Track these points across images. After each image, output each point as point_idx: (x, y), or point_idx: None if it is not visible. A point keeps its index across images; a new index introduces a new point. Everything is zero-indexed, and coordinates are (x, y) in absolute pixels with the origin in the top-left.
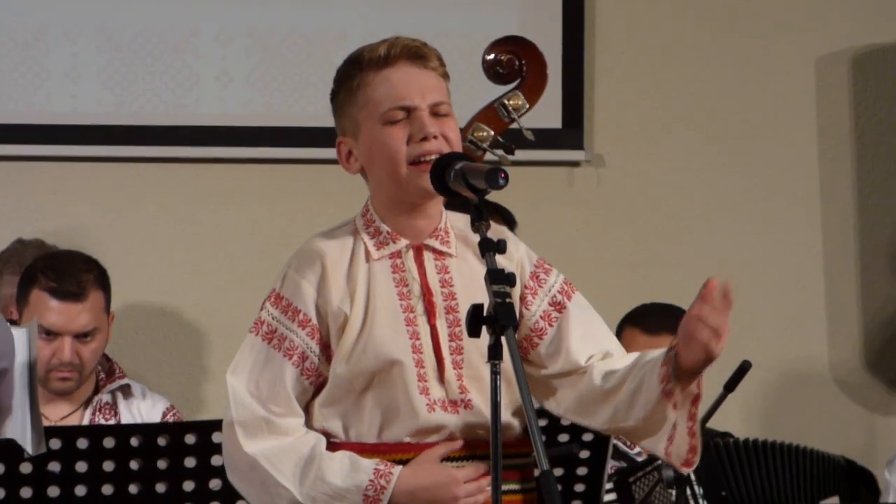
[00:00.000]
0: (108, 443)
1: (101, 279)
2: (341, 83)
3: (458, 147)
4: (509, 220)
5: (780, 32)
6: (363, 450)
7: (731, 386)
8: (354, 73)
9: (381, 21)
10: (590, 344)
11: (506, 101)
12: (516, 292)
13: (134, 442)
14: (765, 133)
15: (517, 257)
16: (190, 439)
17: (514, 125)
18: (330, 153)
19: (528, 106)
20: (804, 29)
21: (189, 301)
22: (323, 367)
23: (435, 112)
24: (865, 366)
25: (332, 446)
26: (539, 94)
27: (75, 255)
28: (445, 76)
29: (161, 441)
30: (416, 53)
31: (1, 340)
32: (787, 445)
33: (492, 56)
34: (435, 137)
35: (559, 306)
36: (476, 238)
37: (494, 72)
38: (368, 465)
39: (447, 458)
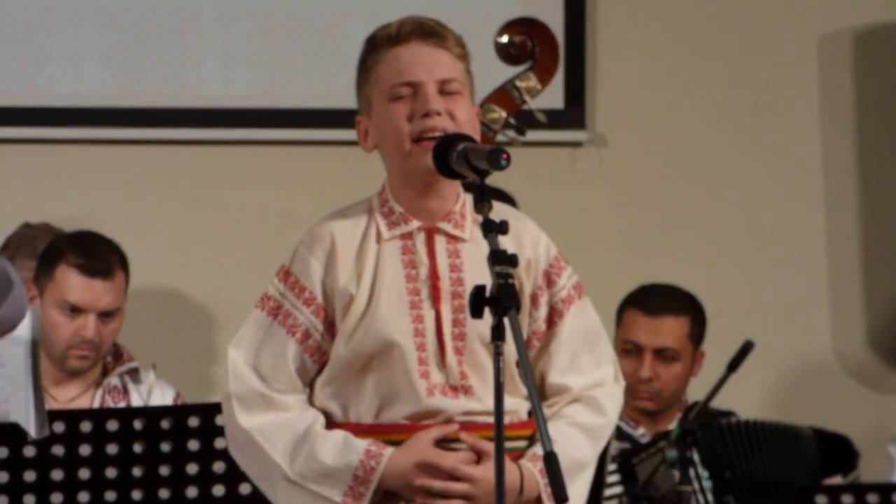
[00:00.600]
0: (112, 426)
1: (124, 261)
2: (360, 64)
3: (467, 127)
4: (510, 203)
5: (781, 12)
6: (359, 430)
7: (733, 365)
8: (369, 52)
9: (383, 3)
10: (571, 378)
11: (518, 83)
12: (526, 291)
13: (137, 425)
14: (767, 113)
15: (532, 256)
16: (193, 422)
17: (526, 107)
18: (333, 135)
19: (540, 87)
20: (806, 8)
21: (194, 283)
22: (326, 345)
23: (444, 90)
24: (870, 347)
25: (331, 426)
26: (551, 76)
27: (99, 235)
28: (462, 58)
29: (164, 424)
30: (429, 31)
31: (16, 308)
32: (789, 426)
33: (505, 38)
34: (439, 114)
35: (551, 321)
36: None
37: (507, 53)
38: (361, 445)
39: (443, 441)
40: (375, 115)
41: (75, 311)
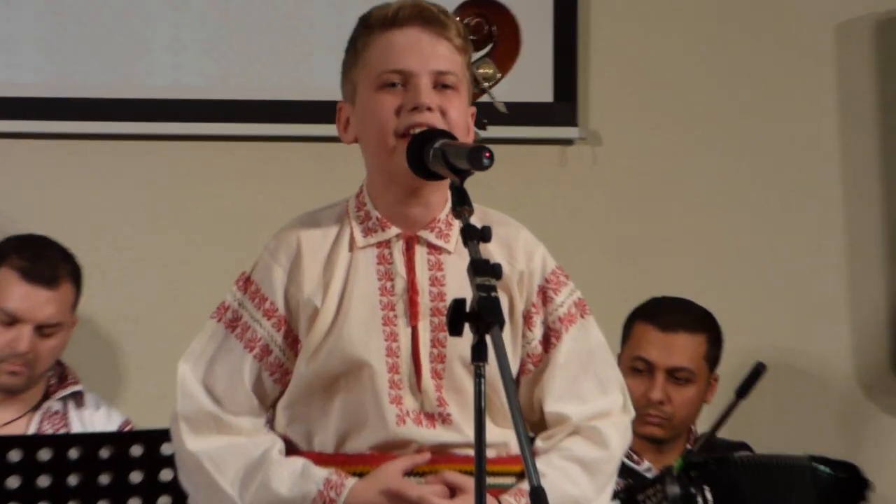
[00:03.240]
0: (45, 454)
1: (76, 273)
2: (349, 44)
3: (458, 129)
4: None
5: None
6: (321, 460)
7: (743, 391)
8: (361, 32)
9: None
10: (570, 406)
11: (475, 70)
12: (519, 308)
13: (73, 454)
14: (779, 107)
15: (526, 269)
16: (136, 451)
17: (486, 97)
18: (297, 130)
19: (499, 75)
20: None
21: (141, 295)
22: (289, 363)
23: (438, 83)
24: (893, 366)
25: (292, 455)
26: (512, 62)
27: (51, 241)
28: (463, 50)
29: (104, 453)
30: (430, 18)
31: None
32: (804, 460)
33: (458, 20)
34: (430, 109)
35: (548, 343)
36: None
37: None
38: (320, 474)
39: (412, 473)
40: (360, 103)
41: (12, 320)
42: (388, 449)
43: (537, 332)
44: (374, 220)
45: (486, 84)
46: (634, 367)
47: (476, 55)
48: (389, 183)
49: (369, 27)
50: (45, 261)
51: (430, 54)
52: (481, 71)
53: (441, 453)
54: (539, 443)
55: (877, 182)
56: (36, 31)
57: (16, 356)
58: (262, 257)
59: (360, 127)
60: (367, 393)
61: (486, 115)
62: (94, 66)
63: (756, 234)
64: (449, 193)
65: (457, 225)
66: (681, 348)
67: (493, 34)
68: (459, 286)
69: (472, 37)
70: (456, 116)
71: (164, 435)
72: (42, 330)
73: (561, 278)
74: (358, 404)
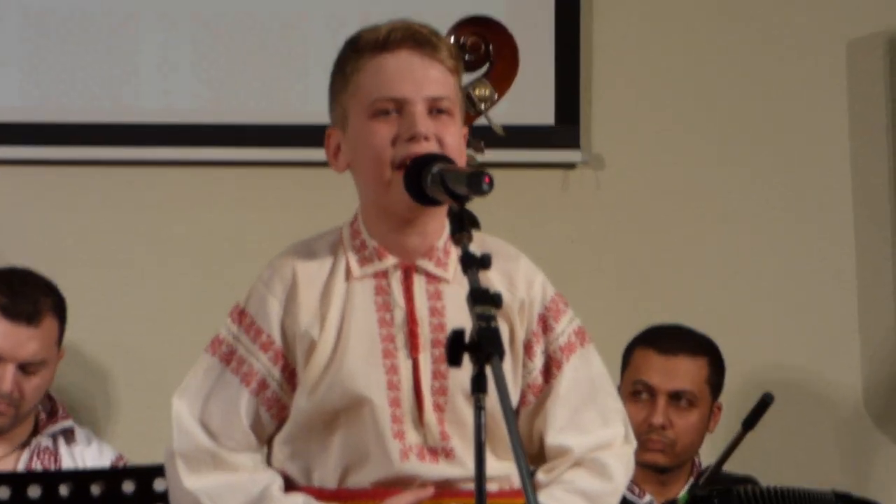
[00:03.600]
0: (34, 492)
1: (59, 307)
2: (337, 67)
3: (454, 153)
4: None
5: (805, 12)
6: (322, 496)
7: (750, 423)
8: (350, 56)
9: (345, 2)
10: (572, 438)
11: (471, 91)
12: (520, 337)
13: (63, 491)
14: (788, 127)
15: (526, 297)
16: (128, 487)
17: (483, 119)
18: (290, 154)
19: (496, 96)
20: (833, 8)
21: (129, 327)
22: (286, 397)
23: (433, 109)
24: None
25: (290, 490)
26: (509, 83)
27: (33, 274)
28: (455, 71)
29: (95, 490)
30: (422, 40)
31: None
32: (815, 494)
33: (454, 39)
34: (427, 139)
35: (549, 372)
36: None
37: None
38: None
39: None
40: (352, 130)
41: None
42: (392, 485)
43: (538, 361)
44: (371, 249)
45: (482, 106)
46: (635, 392)
47: (472, 76)
48: (384, 213)
49: (358, 50)
50: (25, 297)
51: (423, 79)
52: (478, 92)
53: (445, 488)
54: (540, 475)
55: (888, 204)
56: (21, 53)
57: (0, 396)
58: (255, 288)
59: (352, 155)
60: (369, 428)
61: (485, 137)
62: (81, 89)
63: (763, 259)
64: (447, 220)
65: (455, 253)
66: (682, 371)
67: (491, 54)
68: (459, 316)
69: (468, 56)
70: (452, 142)
71: (156, 471)
72: (26, 368)
73: (560, 306)
74: (359, 440)
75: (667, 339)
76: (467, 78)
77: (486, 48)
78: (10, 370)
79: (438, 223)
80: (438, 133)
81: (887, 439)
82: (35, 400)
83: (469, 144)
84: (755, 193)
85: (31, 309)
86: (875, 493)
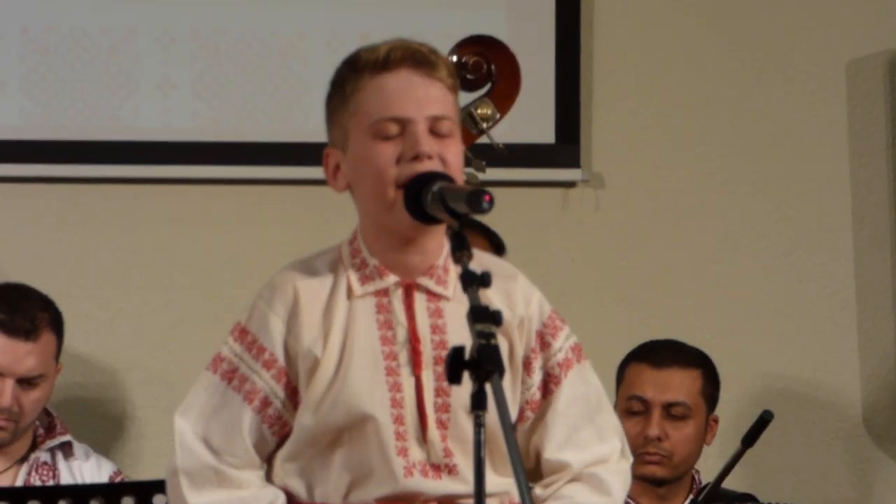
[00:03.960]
0: None
1: (56, 322)
2: (335, 86)
3: (456, 171)
4: (497, 245)
5: (805, 33)
6: None
7: (750, 440)
8: (349, 75)
9: (345, 21)
10: (570, 454)
11: (473, 111)
12: (519, 354)
13: None
14: (788, 147)
15: (525, 314)
16: (127, 502)
17: (485, 138)
18: (289, 172)
19: (498, 115)
20: (833, 29)
21: (128, 344)
22: (288, 415)
23: (434, 129)
24: None
25: None
26: (511, 102)
27: (30, 289)
28: (454, 89)
29: None
30: (421, 59)
31: None
32: None
33: (456, 59)
34: (430, 158)
35: (546, 388)
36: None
37: (460, 77)
38: None
39: None
40: (353, 150)
41: None
42: (396, 501)
43: (536, 378)
44: (372, 267)
45: (484, 125)
46: (630, 408)
47: (474, 95)
48: (385, 232)
49: (358, 70)
50: (23, 312)
51: (425, 98)
52: (480, 111)
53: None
54: (538, 490)
55: (888, 225)
56: (20, 72)
57: (0, 411)
58: (256, 306)
59: (354, 175)
60: (373, 445)
61: (486, 156)
62: (80, 107)
63: (763, 279)
64: (445, 239)
65: (454, 270)
66: (675, 383)
67: (493, 73)
68: (460, 333)
69: (470, 76)
70: (454, 160)
71: (155, 486)
72: (24, 383)
73: (557, 322)
74: (363, 457)
75: (659, 352)
76: (470, 97)
77: (488, 67)
78: (9, 385)
79: (437, 242)
80: (441, 152)
81: (887, 456)
82: (34, 414)
83: (470, 163)
84: (755, 213)
85: (29, 324)
86: None
